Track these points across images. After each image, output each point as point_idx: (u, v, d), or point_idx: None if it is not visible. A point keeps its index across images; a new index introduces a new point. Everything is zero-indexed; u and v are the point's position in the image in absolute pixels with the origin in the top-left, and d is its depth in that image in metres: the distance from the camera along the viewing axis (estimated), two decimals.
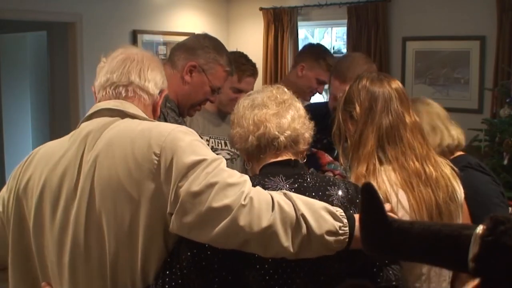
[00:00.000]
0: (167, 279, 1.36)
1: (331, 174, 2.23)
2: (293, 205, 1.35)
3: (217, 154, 1.43)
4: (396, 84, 1.80)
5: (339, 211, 1.40)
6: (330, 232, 1.36)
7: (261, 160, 1.57)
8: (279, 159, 1.55)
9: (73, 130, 1.53)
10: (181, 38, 2.53)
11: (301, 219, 1.33)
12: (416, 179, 1.69)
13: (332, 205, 1.43)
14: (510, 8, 4.87)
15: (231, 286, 1.38)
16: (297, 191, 1.46)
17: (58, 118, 5.95)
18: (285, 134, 1.54)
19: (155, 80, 1.60)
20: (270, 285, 1.39)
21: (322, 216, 1.36)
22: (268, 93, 1.62)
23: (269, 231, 1.31)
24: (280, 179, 1.49)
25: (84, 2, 5.57)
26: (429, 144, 1.80)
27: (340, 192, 1.51)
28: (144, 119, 1.51)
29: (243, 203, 1.30)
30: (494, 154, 4.13)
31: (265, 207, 1.32)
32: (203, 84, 2.22)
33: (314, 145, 1.68)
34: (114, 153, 1.39)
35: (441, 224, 1.11)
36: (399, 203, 1.66)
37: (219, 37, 2.47)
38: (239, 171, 1.41)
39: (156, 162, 1.35)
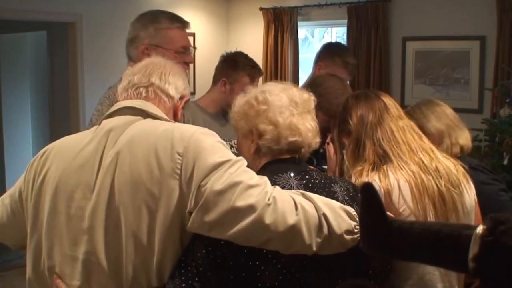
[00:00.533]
0: (183, 278, 1.37)
1: None
2: (314, 205, 1.38)
3: None
4: (385, 97, 1.90)
5: (352, 210, 1.44)
6: (348, 231, 1.40)
7: (273, 158, 1.59)
8: (285, 156, 1.58)
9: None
10: None
11: (323, 218, 1.37)
12: (416, 167, 1.75)
13: (338, 201, 1.47)
14: (510, 8, 4.86)
15: (247, 282, 1.39)
16: (306, 187, 1.50)
17: (58, 118, 5.94)
18: (309, 145, 1.60)
19: (176, 84, 1.62)
20: (286, 279, 1.41)
21: (341, 215, 1.40)
22: (300, 96, 1.62)
23: (294, 230, 1.34)
24: (289, 175, 1.52)
25: (84, 2, 5.57)
26: (424, 138, 1.86)
27: (342, 189, 1.55)
28: (165, 120, 1.53)
29: (268, 202, 1.33)
30: (494, 154, 4.12)
31: (288, 206, 1.35)
32: (166, 57, 2.14)
33: None
34: (136, 151, 1.41)
35: (441, 224, 1.11)
36: (401, 196, 1.69)
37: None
38: None
39: (179, 161, 1.37)
